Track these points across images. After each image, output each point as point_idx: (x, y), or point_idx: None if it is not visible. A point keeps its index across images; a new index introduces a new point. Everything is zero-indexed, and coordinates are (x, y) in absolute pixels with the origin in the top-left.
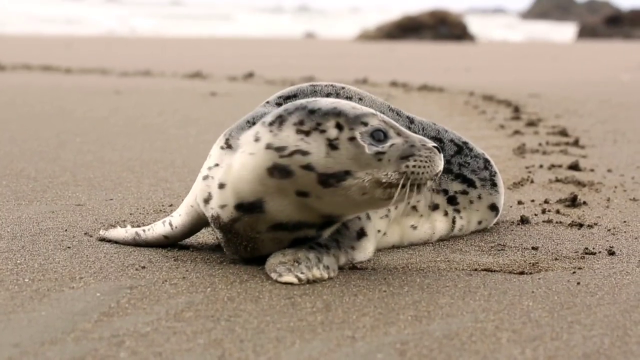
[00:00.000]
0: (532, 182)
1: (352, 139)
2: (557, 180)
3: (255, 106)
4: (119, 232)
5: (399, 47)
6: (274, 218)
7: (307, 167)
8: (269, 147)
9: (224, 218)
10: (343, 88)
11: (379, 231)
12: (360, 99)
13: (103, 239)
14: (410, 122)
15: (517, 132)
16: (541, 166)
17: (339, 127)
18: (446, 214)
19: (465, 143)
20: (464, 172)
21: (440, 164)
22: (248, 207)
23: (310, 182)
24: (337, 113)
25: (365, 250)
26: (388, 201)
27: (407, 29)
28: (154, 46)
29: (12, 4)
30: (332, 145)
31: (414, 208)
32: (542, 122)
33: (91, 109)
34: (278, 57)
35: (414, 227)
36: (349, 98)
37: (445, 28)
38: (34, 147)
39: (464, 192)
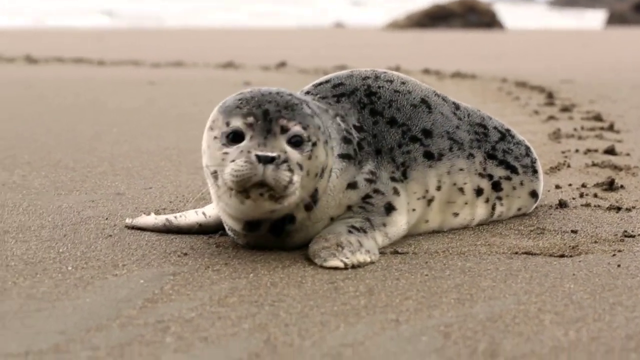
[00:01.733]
0: (568, 166)
1: (215, 137)
2: (594, 165)
3: None
4: (147, 220)
5: (429, 35)
6: None
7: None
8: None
9: None
10: (385, 72)
11: (414, 210)
12: (403, 83)
13: (131, 227)
14: (456, 108)
15: (551, 118)
16: (577, 151)
17: (215, 125)
18: (487, 200)
19: (507, 130)
20: (508, 158)
21: (257, 173)
22: None
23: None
24: (218, 111)
25: (397, 224)
26: (242, 206)
27: (437, 17)
28: (184, 37)
29: None
30: (210, 142)
31: (461, 190)
32: (576, 107)
33: (125, 100)
34: (309, 46)
35: (456, 215)
36: (390, 81)
37: (475, 16)
38: (70, 138)
39: (508, 178)
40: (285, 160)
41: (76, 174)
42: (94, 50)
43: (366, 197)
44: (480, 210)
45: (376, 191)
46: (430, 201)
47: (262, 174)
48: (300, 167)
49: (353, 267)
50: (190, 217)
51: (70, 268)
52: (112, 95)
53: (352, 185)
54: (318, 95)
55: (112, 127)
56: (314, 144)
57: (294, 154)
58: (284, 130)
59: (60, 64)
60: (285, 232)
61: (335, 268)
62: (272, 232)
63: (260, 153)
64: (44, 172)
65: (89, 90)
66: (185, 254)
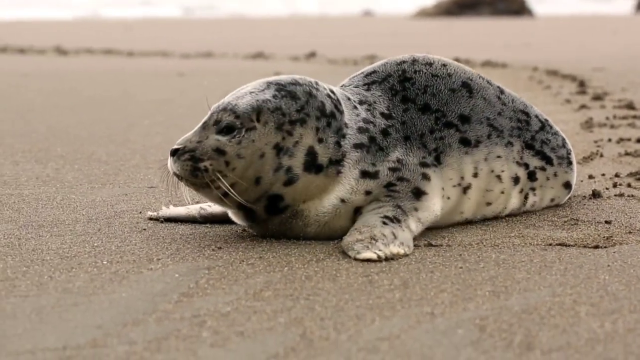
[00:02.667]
0: (601, 156)
1: None
2: (627, 154)
3: None
4: (178, 210)
5: (458, 23)
6: None
7: None
8: None
9: None
10: (425, 55)
11: (448, 198)
12: (444, 65)
13: (162, 220)
14: (500, 92)
15: (583, 107)
16: (610, 140)
17: None
18: (522, 190)
19: (546, 120)
20: (545, 149)
21: (171, 166)
22: None
23: None
24: None
25: (429, 209)
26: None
27: (465, 5)
28: (213, 27)
29: None
30: None
31: (499, 177)
32: (608, 95)
33: (155, 92)
34: (338, 36)
35: (489, 204)
36: (429, 64)
37: (503, 3)
38: (102, 130)
39: (542, 169)
40: (192, 150)
41: (109, 167)
42: (123, 41)
43: (390, 186)
44: (514, 200)
45: (400, 179)
46: (466, 189)
47: (170, 166)
48: (222, 152)
49: (387, 259)
50: None
51: (105, 262)
52: (142, 87)
53: (368, 174)
54: (351, 86)
55: (143, 119)
56: (250, 129)
57: (214, 142)
58: (217, 122)
59: (90, 55)
60: (282, 210)
61: (369, 260)
62: (268, 212)
63: (173, 147)
64: (77, 165)
65: (119, 81)
66: (220, 248)
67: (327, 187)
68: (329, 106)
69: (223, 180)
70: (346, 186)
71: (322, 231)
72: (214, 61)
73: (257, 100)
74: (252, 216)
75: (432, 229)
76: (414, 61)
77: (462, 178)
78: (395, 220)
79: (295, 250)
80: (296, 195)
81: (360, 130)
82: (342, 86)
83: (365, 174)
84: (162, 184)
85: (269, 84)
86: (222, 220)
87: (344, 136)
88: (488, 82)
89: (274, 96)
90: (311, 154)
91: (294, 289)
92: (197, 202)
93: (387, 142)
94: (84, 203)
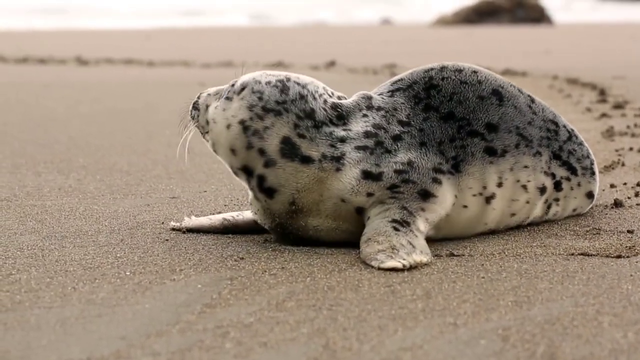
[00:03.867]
0: (623, 165)
1: None
2: None
3: None
4: (201, 221)
5: (477, 31)
6: None
7: None
8: None
9: None
10: (455, 63)
11: (465, 206)
12: (475, 72)
13: (185, 230)
14: (531, 101)
15: (604, 115)
16: (631, 149)
17: None
18: (546, 200)
19: (572, 130)
20: (571, 159)
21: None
22: None
23: None
24: None
25: (436, 212)
26: None
27: (484, 13)
28: (233, 36)
29: None
30: None
31: (524, 187)
32: (629, 104)
33: (176, 102)
34: (357, 44)
35: (513, 214)
36: (459, 71)
37: (523, 11)
38: (123, 140)
39: (567, 179)
40: (198, 98)
41: (131, 177)
42: (143, 50)
43: (393, 187)
44: (537, 210)
45: (405, 181)
46: (489, 199)
47: None
48: (207, 109)
49: (410, 267)
50: (248, 215)
51: (128, 273)
52: (163, 97)
53: (370, 175)
54: (377, 93)
55: (164, 129)
56: (227, 99)
57: (207, 97)
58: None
59: (110, 65)
60: (270, 193)
61: (394, 269)
62: (260, 190)
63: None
64: (99, 176)
65: (140, 92)
66: (242, 258)
67: (326, 181)
68: (320, 114)
69: (206, 135)
70: (346, 185)
71: (326, 230)
72: (235, 70)
73: (254, 79)
74: (256, 198)
75: (454, 239)
76: (443, 68)
77: (485, 188)
78: (404, 223)
79: (318, 261)
80: (281, 180)
81: (367, 134)
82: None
83: (367, 175)
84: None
85: (286, 77)
86: (245, 230)
87: (342, 140)
88: (519, 90)
89: (268, 82)
90: (287, 143)
91: (317, 300)
92: (219, 212)
93: (397, 145)
94: (106, 214)
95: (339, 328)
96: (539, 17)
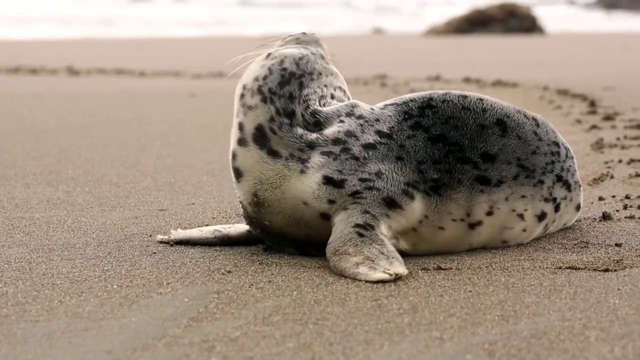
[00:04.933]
0: (612, 177)
1: None
2: (637, 175)
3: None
4: (191, 232)
5: (469, 41)
6: None
7: None
8: None
9: None
10: (463, 91)
11: (441, 228)
12: (480, 100)
13: (174, 243)
14: (536, 125)
15: (594, 127)
16: (620, 161)
17: None
18: (546, 225)
19: (565, 143)
20: (568, 177)
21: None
22: None
23: None
24: None
25: (399, 222)
26: None
27: (476, 22)
28: (224, 47)
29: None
30: None
31: (521, 216)
32: (619, 115)
33: (167, 112)
34: (349, 53)
35: (504, 242)
36: (464, 97)
37: (515, 21)
38: (114, 152)
39: (564, 198)
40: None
41: (120, 189)
42: (135, 60)
43: (355, 194)
44: (536, 234)
45: (369, 188)
46: (474, 225)
47: None
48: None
49: (396, 277)
50: (240, 227)
51: (115, 286)
52: (154, 108)
53: (332, 181)
54: (373, 105)
55: (155, 141)
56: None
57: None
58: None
59: (102, 75)
60: (239, 175)
61: (382, 281)
62: (232, 168)
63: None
64: (87, 188)
65: (131, 102)
66: (229, 272)
67: (289, 180)
68: (299, 118)
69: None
70: (307, 188)
71: (291, 226)
72: (226, 81)
73: (286, 56)
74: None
75: (441, 253)
76: (447, 93)
77: (469, 215)
78: (367, 227)
79: (305, 274)
80: (247, 165)
81: (336, 141)
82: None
83: (328, 180)
84: None
85: (299, 72)
86: (237, 242)
87: (311, 145)
88: (525, 115)
89: (284, 69)
90: (260, 130)
91: (303, 314)
92: (207, 225)
93: (367, 154)
94: (94, 226)
95: (325, 342)
96: (531, 26)
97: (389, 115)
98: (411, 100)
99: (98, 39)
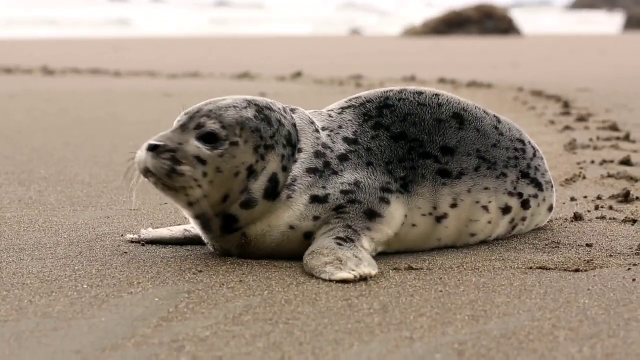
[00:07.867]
0: (584, 178)
1: None
2: (610, 176)
3: (305, 106)
4: (161, 232)
5: (446, 42)
6: None
7: None
8: None
9: None
10: (418, 87)
11: (414, 225)
12: (436, 95)
13: (145, 242)
14: (497, 121)
15: (567, 128)
16: (593, 162)
17: None
18: (512, 220)
19: (534, 144)
20: (537, 176)
21: (141, 159)
22: None
23: None
24: None
25: (382, 231)
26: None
27: (453, 24)
28: (200, 47)
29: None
30: None
31: (485, 208)
32: (592, 117)
33: (142, 113)
34: (325, 55)
35: (473, 235)
36: (419, 94)
37: (492, 22)
38: (88, 152)
39: (535, 196)
40: (173, 151)
41: (92, 189)
42: (110, 61)
43: (339, 208)
44: (501, 229)
45: (352, 201)
46: (440, 218)
47: (144, 161)
48: (203, 162)
49: (361, 279)
50: None
51: (85, 286)
52: (129, 108)
53: (317, 199)
54: (331, 110)
55: (128, 141)
56: (233, 144)
57: (196, 149)
58: (199, 127)
59: (77, 75)
60: (234, 231)
61: (345, 281)
62: (225, 231)
63: (150, 142)
64: (60, 188)
65: (106, 102)
66: (200, 271)
67: (277, 211)
68: (294, 136)
69: (197, 189)
70: (296, 212)
71: (273, 254)
72: (201, 81)
73: (242, 117)
74: (208, 229)
75: (413, 253)
76: (402, 91)
77: (435, 208)
78: (348, 240)
79: (276, 274)
80: (250, 220)
81: (317, 155)
82: (329, 111)
83: (315, 199)
84: (125, 178)
85: (249, 103)
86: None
87: (296, 161)
88: (485, 112)
89: (255, 117)
90: (274, 181)
91: (274, 314)
92: (179, 225)
93: (343, 166)
94: (66, 226)
95: (295, 342)
96: (508, 28)
97: (350, 120)
98: (368, 102)
99: (74, 39)
